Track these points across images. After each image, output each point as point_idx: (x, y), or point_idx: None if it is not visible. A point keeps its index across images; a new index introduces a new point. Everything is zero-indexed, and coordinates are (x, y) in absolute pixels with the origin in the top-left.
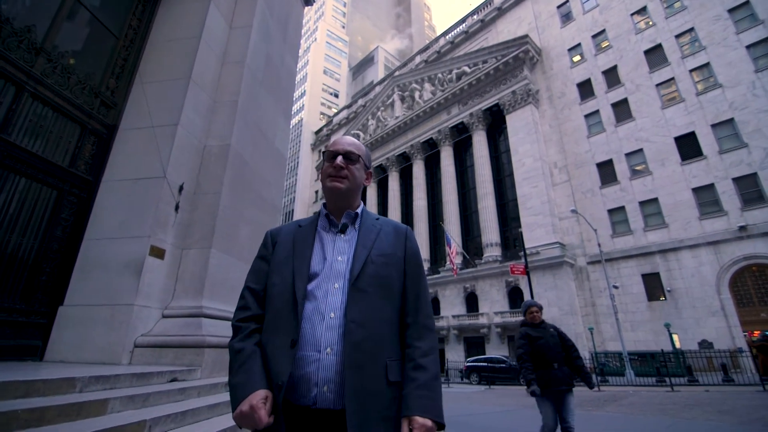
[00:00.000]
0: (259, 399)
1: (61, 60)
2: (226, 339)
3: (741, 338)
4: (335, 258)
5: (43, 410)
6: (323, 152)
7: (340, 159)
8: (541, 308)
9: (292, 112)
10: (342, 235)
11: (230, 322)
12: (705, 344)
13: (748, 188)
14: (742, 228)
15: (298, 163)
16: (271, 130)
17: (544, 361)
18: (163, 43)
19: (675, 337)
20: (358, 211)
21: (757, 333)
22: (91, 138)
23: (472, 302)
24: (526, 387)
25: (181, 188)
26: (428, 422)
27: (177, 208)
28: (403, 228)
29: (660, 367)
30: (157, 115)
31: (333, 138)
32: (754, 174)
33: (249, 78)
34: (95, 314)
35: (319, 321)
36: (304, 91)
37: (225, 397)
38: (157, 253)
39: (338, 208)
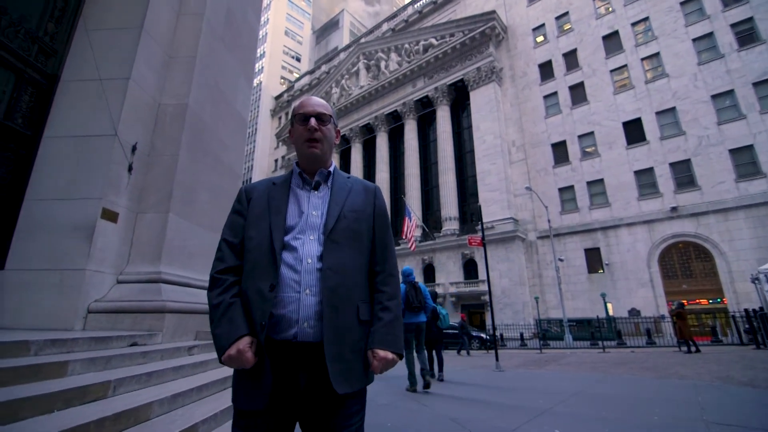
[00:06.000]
0: (245, 343)
1: None
2: (187, 305)
3: (664, 306)
4: (310, 212)
5: None
6: (294, 115)
7: (313, 121)
8: None
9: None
10: (315, 192)
11: (190, 289)
12: (634, 312)
13: (681, 173)
14: (673, 209)
15: (256, 129)
16: (231, 91)
17: None
18: None
19: (609, 305)
20: (330, 169)
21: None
22: (28, 89)
23: (429, 273)
24: None
25: (134, 148)
26: (389, 354)
27: (130, 169)
28: (372, 186)
29: (594, 332)
30: (105, 66)
31: (295, 102)
32: (688, 160)
33: (208, 33)
34: (42, 279)
35: (298, 265)
36: (264, 52)
37: (189, 360)
38: (110, 216)
39: (312, 167)
